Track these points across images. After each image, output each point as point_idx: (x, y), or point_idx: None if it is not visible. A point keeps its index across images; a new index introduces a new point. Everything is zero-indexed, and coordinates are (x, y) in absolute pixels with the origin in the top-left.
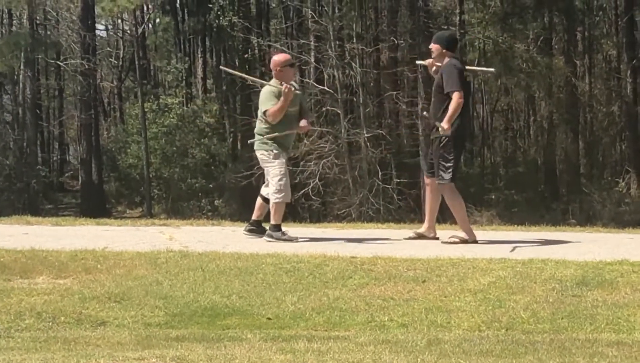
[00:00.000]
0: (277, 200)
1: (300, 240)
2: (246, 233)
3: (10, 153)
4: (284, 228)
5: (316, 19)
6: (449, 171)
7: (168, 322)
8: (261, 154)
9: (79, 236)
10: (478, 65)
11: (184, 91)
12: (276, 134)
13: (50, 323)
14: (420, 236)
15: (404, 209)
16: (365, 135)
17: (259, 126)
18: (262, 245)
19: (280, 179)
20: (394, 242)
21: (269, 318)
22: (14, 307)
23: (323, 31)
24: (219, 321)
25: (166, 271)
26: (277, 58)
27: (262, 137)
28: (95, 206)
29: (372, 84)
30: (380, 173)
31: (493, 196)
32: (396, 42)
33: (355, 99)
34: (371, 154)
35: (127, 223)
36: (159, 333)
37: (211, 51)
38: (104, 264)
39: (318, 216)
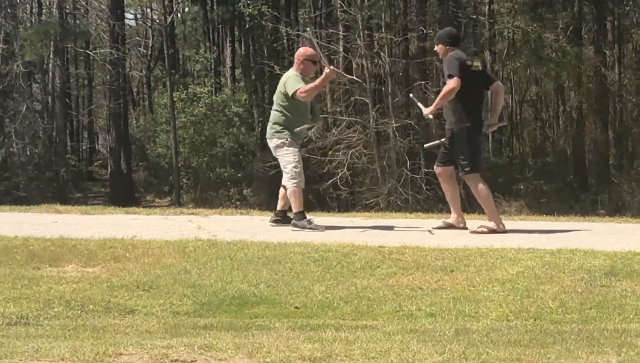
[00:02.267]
0: (294, 186)
1: (325, 229)
2: (272, 223)
3: (40, 142)
4: (308, 216)
5: (345, 8)
6: (467, 161)
7: (196, 310)
8: (274, 142)
9: (108, 224)
10: (507, 55)
11: (213, 80)
12: (311, 125)
13: (79, 311)
14: (449, 226)
15: (433, 199)
16: (394, 125)
17: (276, 115)
18: (290, 234)
19: (295, 166)
20: (422, 232)
21: (296, 307)
22: (43, 295)
23: (352, 20)
24: (247, 310)
25: (194, 259)
26: (303, 50)
27: (277, 126)
28: (124, 195)
29: (400, 73)
30: (408, 163)
31: (522, 186)
32: (425, 31)
33: (383, 89)
34: (399, 143)
35: (156, 211)
36: (187, 322)
37: (240, 40)
38: (132, 252)
39: (346, 206)
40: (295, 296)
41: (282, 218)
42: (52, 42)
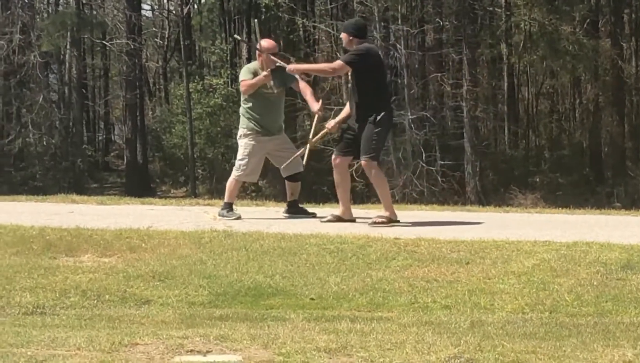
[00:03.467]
0: (234, 177)
1: (239, 217)
2: (286, 214)
3: (56, 132)
4: (235, 207)
5: (361, 0)
6: (374, 148)
7: (212, 301)
8: (238, 132)
9: (124, 215)
10: (523, 47)
11: (229, 72)
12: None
13: (95, 301)
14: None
15: (448, 191)
16: (410, 117)
17: (241, 110)
18: (305, 226)
19: (241, 159)
20: (437, 224)
21: (312, 299)
22: (60, 285)
23: (368, 12)
24: (262, 301)
25: (210, 250)
26: (264, 44)
27: (242, 116)
28: (140, 185)
29: (416, 65)
30: (424, 155)
31: (538, 179)
32: (441, 23)
33: (399, 81)
34: (415, 135)
35: (172, 202)
36: (202, 312)
37: (256, 31)
38: (148, 243)
39: (362, 198)
40: (311, 287)
41: (295, 209)
42: (68, 33)
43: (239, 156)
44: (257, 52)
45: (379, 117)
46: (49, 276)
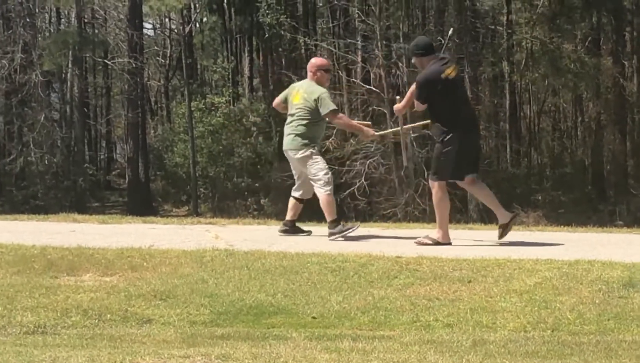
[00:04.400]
0: (327, 193)
1: (359, 225)
2: (280, 233)
3: (58, 151)
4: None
5: (363, 18)
6: (439, 168)
7: (213, 320)
8: (302, 154)
9: (126, 234)
10: (525, 65)
11: (231, 90)
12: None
13: (97, 321)
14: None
15: (450, 209)
16: (412, 135)
17: (304, 128)
18: (307, 244)
19: (326, 173)
20: (439, 242)
21: (314, 317)
22: (61, 304)
23: (370, 31)
24: (264, 319)
25: (212, 269)
26: (315, 61)
27: (302, 138)
28: (142, 204)
29: None
30: (426, 173)
31: (540, 197)
32: (443, 42)
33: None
34: (417, 154)
35: (174, 221)
36: (204, 332)
37: (258, 50)
38: (150, 262)
39: (364, 216)
40: (313, 306)
41: (291, 228)
42: (70, 52)
43: (321, 171)
44: (317, 70)
45: (447, 138)
46: (50, 296)
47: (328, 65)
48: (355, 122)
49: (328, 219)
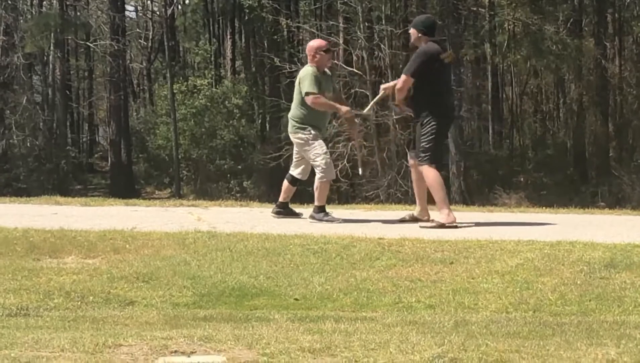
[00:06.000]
0: (323, 179)
1: (342, 221)
2: (273, 215)
3: (40, 134)
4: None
5: (345, 0)
6: (427, 148)
7: (196, 302)
8: (298, 138)
9: (108, 216)
10: (507, 47)
11: (213, 73)
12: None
13: (79, 303)
14: (413, 219)
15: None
16: (394, 117)
17: (297, 111)
18: (289, 226)
19: (323, 158)
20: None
21: (296, 299)
22: (43, 286)
23: (352, 13)
24: (246, 301)
25: (194, 251)
26: (313, 43)
27: (298, 121)
28: (124, 186)
29: (400, 66)
30: (408, 155)
31: (522, 179)
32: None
33: (384, 81)
34: (400, 136)
35: (156, 203)
36: (186, 313)
37: (240, 32)
38: (132, 244)
39: (346, 198)
40: (295, 287)
41: (284, 209)
42: (52, 34)
43: (319, 156)
44: (315, 52)
45: (427, 120)
46: (32, 278)
47: (327, 45)
48: (329, 103)
49: (315, 203)
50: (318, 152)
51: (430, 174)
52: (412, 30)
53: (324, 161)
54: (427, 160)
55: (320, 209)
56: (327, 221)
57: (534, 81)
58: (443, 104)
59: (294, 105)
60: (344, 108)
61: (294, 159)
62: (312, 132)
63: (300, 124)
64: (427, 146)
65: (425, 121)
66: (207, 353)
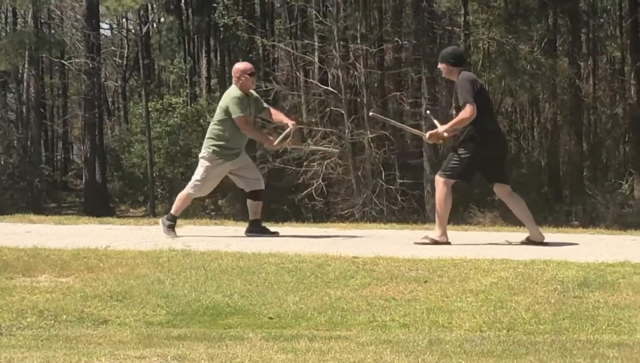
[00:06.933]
0: (189, 192)
1: (178, 236)
2: (247, 234)
3: (14, 152)
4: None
5: (320, 19)
6: (452, 168)
7: (170, 320)
8: (204, 152)
9: (82, 234)
10: (482, 66)
11: (188, 91)
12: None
13: (52, 322)
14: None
15: (407, 210)
16: (369, 135)
17: (213, 129)
18: (264, 245)
19: (203, 181)
20: (396, 242)
21: (270, 318)
22: (16, 305)
23: (327, 31)
24: (220, 320)
25: (168, 270)
26: (239, 66)
27: (210, 140)
28: (99, 205)
29: (376, 84)
30: (383, 174)
31: (496, 198)
32: (400, 42)
33: (359, 100)
34: (375, 154)
35: (130, 222)
36: (160, 332)
37: (215, 50)
38: (106, 263)
39: (321, 216)
40: (269, 306)
41: (257, 228)
42: (26, 52)
43: (199, 175)
44: (240, 75)
45: (468, 142)
46: (5, 297)
47: (252, 69)
48: (258, 134)
49: (172, 211)
50: (205, 175)
51: (444, 189)
52: (442, 65)
53: (201, 183)
54: (447, 176)
55: (171, 218)
56: (166, 231)
57: (509, 100)
58: (484, 127)
59: (213, 123)
60: (267, 142)
61: (241, 178)
62: (211, 153)
63: (210, 142)
64: (455, 166)
65: (465, 141)
66: None
